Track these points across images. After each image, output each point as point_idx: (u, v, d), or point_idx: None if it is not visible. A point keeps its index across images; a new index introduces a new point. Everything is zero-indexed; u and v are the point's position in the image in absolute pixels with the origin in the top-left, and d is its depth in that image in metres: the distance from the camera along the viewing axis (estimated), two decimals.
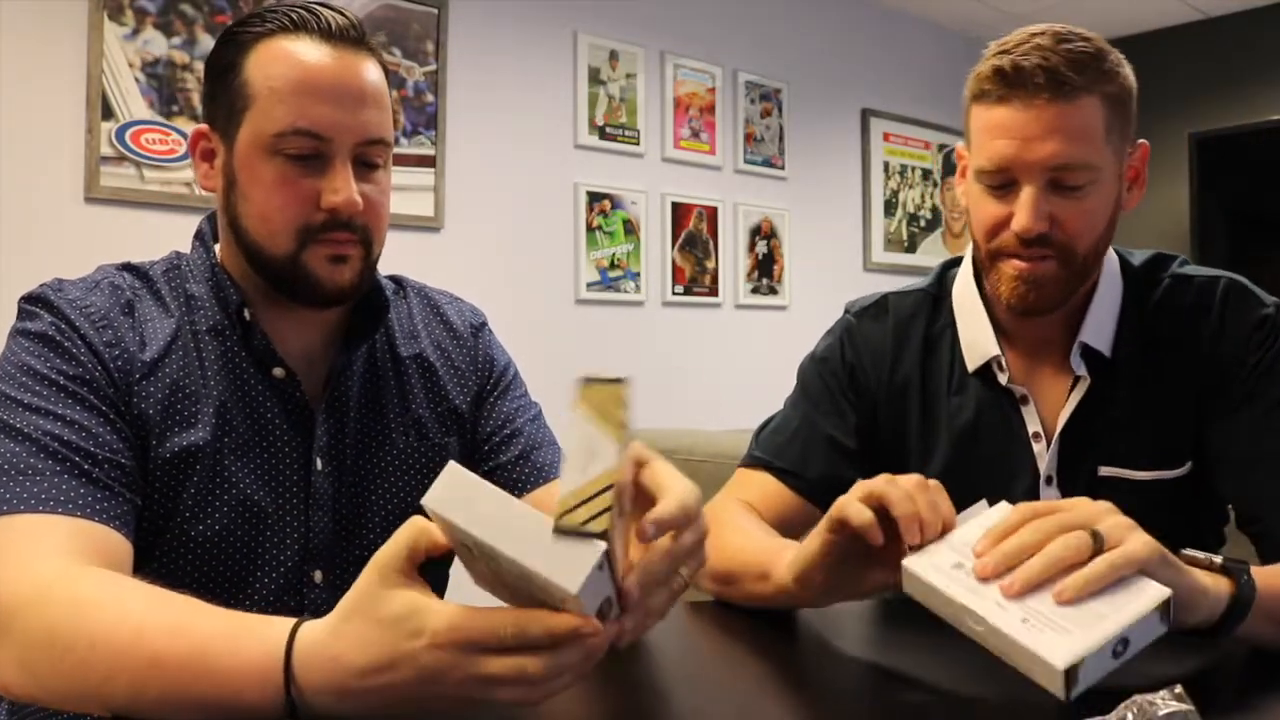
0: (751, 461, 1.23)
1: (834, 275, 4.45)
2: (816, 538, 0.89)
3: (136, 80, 2.65)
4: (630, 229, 3.72)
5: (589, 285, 3.60)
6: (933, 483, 0.85)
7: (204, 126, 0.98)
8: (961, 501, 0.92)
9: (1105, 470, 1.11)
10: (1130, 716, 0.60)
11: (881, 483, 0.84)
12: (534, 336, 3.22)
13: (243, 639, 0.66)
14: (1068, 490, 1.12)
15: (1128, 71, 1.07)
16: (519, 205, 3.44)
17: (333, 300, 0.97)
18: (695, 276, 3.93)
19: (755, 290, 4.13)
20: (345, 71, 0.93)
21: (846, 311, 1.28)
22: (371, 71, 0.96)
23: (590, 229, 3.61)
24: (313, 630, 0.65)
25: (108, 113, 2.60)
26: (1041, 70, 1.01)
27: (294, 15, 0.94)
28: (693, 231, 3.92)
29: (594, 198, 3.62)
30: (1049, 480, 1.13)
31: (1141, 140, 1.12)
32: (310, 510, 0.97)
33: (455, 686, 0.61)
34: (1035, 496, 1.12)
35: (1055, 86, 1.01)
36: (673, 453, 2.35)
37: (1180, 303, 1.13)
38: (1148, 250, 1.20)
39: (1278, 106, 4.72)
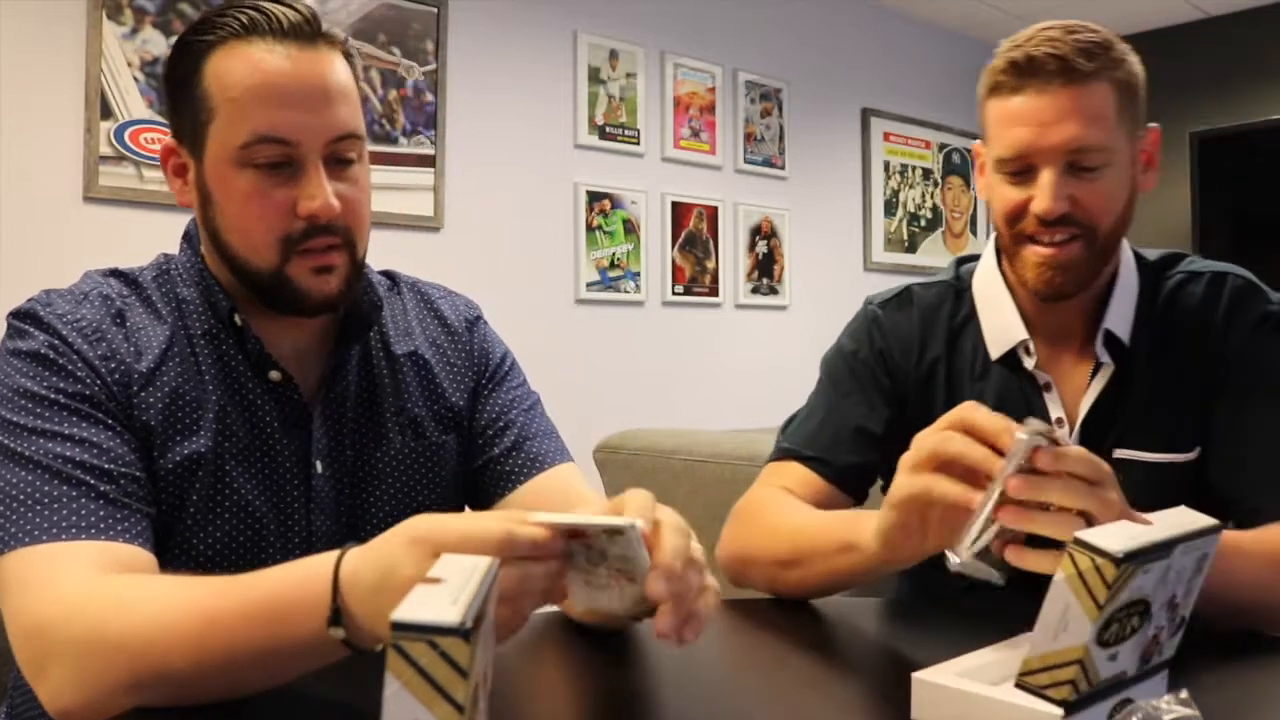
0: (780, 454, 1.24)
1: (834, 275, 4.45)
2: (894, 510, 0.88)
3: (135, 80, 2.64)
4: (630, 229, 3.72)
5: (589, 285, 3.60)
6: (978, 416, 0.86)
7: (171, 141, 0.96)
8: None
9: (1120, 453, 1.14)
10: None
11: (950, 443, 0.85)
12: (534, 336, 3.21)
13: (291, 568, 0.71)
14: None
15: (1135, 60, 1.11)
16: (519, 205, 3.44)
17: (320, 310, 0.95)
18: (695, 276, 3.92)
19: (755, 290, 4.13)
20: (305, 71, 0.90)
21: (868, 303, 1.30)
22: (332, 65, 0.92)
23: (590, 229, 3.61)
24: (358, 549, 0.69)
25: (107, 112, 2.60)
26: (1053, 58, 1.06)
27: (244, 18, 0.90)
28: (693, 231, 3.91)
29: (594, 197, 3.62)
30: None
31: (1152, 125, 1.15)
32: (311, 514, 0.95)
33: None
34: None
35: (1067, 72, 1.06)
36: (672, 453, 2.34)
37: (1192, 295, 1.17)
38: (1159, 249, 1.24)
39: (1278, 106, 4.72)
